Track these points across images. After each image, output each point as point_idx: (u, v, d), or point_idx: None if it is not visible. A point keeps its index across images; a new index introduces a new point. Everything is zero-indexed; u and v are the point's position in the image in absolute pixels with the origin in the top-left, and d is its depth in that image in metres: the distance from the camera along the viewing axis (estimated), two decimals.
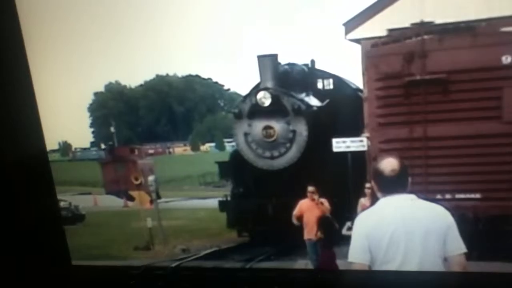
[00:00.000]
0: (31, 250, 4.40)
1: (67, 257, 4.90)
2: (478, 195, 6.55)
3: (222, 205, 9.03)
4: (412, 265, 2.95)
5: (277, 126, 8.22)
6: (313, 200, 6.98)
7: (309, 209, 7.01)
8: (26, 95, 4.48)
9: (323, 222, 6.65)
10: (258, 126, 8.34)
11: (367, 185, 6.38)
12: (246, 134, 8.45)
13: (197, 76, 13.24)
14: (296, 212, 7.07)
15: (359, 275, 3.34)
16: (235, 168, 8.92)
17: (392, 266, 2.97)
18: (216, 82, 13.23)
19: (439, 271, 3.00)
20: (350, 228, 6.06)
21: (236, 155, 8.77)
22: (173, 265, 8.14)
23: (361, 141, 7.46)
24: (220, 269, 6.63)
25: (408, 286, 3.13)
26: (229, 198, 9.07)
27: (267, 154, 8.36)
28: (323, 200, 6.98)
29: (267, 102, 8.21)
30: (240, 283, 4.31)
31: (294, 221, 7.07)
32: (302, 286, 4.21)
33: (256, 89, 8.42)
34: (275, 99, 8.18)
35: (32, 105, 4.56)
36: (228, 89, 12.83)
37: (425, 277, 3.04)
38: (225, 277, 4.47)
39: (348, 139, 7.54)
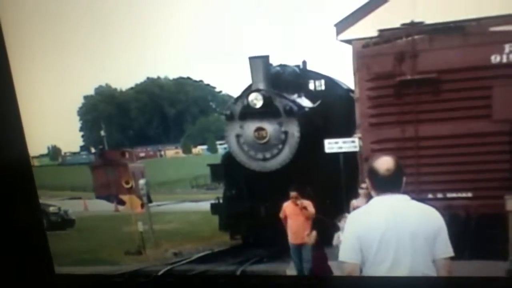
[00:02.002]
0: (14, 258, 4.45)
1: (51, 266, 4.94)
2: (469, 194, 6.67)
3: (214, 208, 9.11)
4: (403, 267, 3.03)
5: (269, 127, 8.31)
6: (296, 205, 7.05)
7: (292, 213, 7.10)
8: (8, 100, 4.51)
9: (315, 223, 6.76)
10: (250, 127, 8.42)
11: (363, 185, 6.44)
12: (238, 136, 8.52)
13: (188, 78, 13.24)
14: (281, 214, 7.20)
15: (347, 281, 3.44)
16: (227, 170, 9.00)
17: (383, 267, 3.05)
18: (208, 84, 13.24)
19: (429, 276, 3.07)
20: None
21: (228, 157, 8.83)
22: (165, 269, 8.22)
23: (353, 141, 7.55)
24: (205, 276, 6.71)
25: None
26: (221, 201, 9.16)
27: (260, 155, 8.43)
28: (307, 203, 7.02)
29: (259, 103, 8.29)
30: None
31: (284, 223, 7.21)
32: None
33: (248, 90, 8.49)
34: (267, 100, 8.27)
35: (15, 110, 4.59)
36: (220, 91, 12.85)
37: (416, 283, 3.11)
38: (211, 285, 4.52)
39: (340, 140, 7.62)
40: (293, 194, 7.04)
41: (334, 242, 6.35)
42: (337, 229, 6.37)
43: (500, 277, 3.85)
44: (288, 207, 7.13)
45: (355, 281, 3.22)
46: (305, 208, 6.98)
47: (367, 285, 3.20)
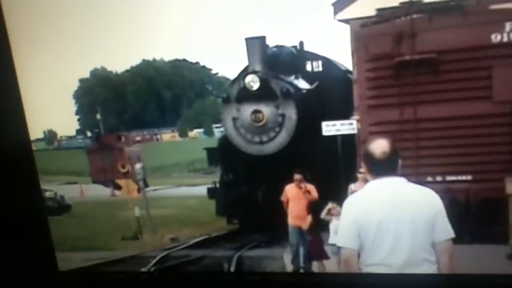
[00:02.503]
0: (15, 254, 4.44)
1: (54, 264, 4.93)
2: (469, 177, 6.63)
3: (211, 192, 9.11)
4: (401, 251, 2.99)
5: (266, 110, 8.27)
6: (300, 188, 6.98)
7: (295, 196, 7.02)
8: (9, 83, 4.48)
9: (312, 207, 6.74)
10: (246, 110, 8.38)
11: (361, 170, 6.40)
12: (234, 119, 8.49)
13: (184, 60, 13.21)
14: (282, 197, 7.12)
15: (344, 277, 3.41)
16: (223, 154, 8.97)
17: (382, 252, 3.01)
18: (204, 66, 13.22)
19: (427, 273, 3.04)
20: (329, 211, 6.18)
21: (225, 140, 8.81)
22: (162, 254, 8.24)
23: (351, 124, 7.50)
24: (205, 273, 6.71)
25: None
26: (218, 185, 9.14)
27: (256, 139, 8.41)
28: (310, 187, 6.96)
29: (255, 85, 8.24)
30: (225, 287, 4.39)
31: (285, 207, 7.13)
32: None
33: (244, 72, 8.44)
34: (263, 82, 8.22)
35: (15, 93, 4.56)
36: (216, 73, 12.83)
37: (414, 280, 3.09)
38: (210, 281, 4.52)
39: (338, 122, 7.57)
40: (297, 176, 6.96)
41: (330, 240, 6.33)
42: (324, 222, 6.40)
43: (503, 274, 3.81)
44: (290, 189, 7.06)
45: (355, 278, 3.23)
46: (308, 192, 6.91)
47: (367, 282, 3.18)
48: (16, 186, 4.56)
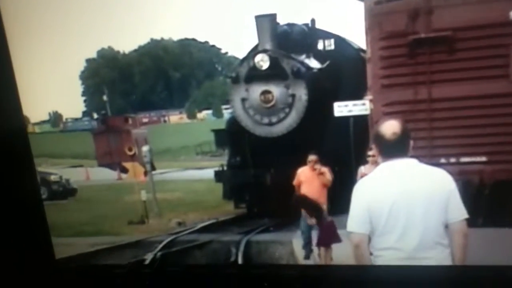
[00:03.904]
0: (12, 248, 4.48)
1: (51, 254, 4.96)
2: (484, 158, 6.59)
3: (218, 175, 9.13)
4: (413, 234, 3.01)
5: (276, 90, 8.28)
6: (314, 170, 6.92)
7: (308, 179, 6.94)
8: (3, 65, 4.48)
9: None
10: (256, 90, 8.39)
11: (369, 152, 6.39)
12: (243, 100, 8.50)
13: (193, 39, 13.20)
14: (295, 181, 7.02)
15: (348, 271, 3.42)
16: (232, 136, 9.00)
17: (394, 236, 3.03)
18: (213, 46, 13.19)
19: (430, 265, 3.07)
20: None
21: (233, 122, 8.82)
22: (168, 239, 8.29)
23: (364, 104, 7.49)
24: (208, 266, 6.75)
25: (398, 281, 3.22)
26: (225, 168, 9.17)
27: (265, 120, 8.42)
28: (324, 169, 6.91)
29: (265, 65, 8.24)
30: (229, 280, 4.42)
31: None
32: (292, 282, 4.30)
33: (254, 51, 8.45)
34: (273, 61, 8.22)
35: (10, 75, 4.56)
36: (226, 53, 12.80)
37: (418, 272, 3.11)
38: (213, 274, 4.55)
39: (350, 103, 7.54)
40: (312, 157, 6.91)
41: None
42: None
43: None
44: (303, 172, 6.99)
45: (362, 271, 3.26)
46: (322, 174, 6.88)
47: (369, 274, 3.22)
48: (10, 171, 4.58)
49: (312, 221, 6.62)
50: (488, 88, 6.46)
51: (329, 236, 6.48)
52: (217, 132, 9.47)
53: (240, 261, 7.39)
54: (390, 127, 3.05)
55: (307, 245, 7.03)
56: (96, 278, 4.61)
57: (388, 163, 3.07)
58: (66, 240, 8.17)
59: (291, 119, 8.28)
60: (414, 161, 3.07)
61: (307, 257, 6.95)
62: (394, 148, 3.04)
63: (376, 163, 3.25)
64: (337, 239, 6.35)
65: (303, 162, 7.00)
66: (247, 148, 8.74)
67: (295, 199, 6.85)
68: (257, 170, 8.56)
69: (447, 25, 6.64)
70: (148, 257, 7.77)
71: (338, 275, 4.15)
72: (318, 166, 6.88)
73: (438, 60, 6.73)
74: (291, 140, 8.19)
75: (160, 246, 8.14)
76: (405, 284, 3.22)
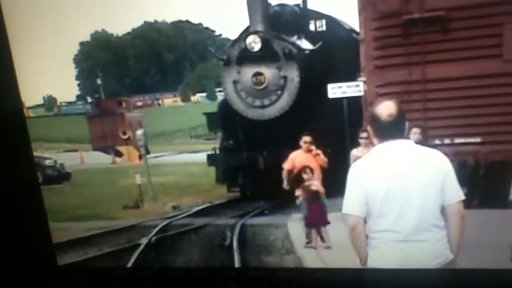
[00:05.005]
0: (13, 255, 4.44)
1: (53, 259, 4.96)
2: (478, 139, 6.54)
3: (211, 159, 9.05)
4: (410, 216, 3.04)
5: (268, 72, 8.15)
6: (309, 151, 6.85)
7: (303, 162, 6.84)
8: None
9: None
10: (247, 73, 8.26)
11: (362, 134, 6.33)
12: (235, 82, 8.37)
13: (187, 21, 13.06)
14: (288, 165, 6.96)
15: (347, 273, 3.41)
16: (224, 119, 8.91)
17: (390, 217, 3.06)
18: (207, 28, 13.05)
19: (430, 268, 3.10)
20: None
21: (225, 105, 8.72)
22: (163, 223, 8.24)
23: (357, 85, 7.39)
24: (207, 268, 6.74)
25: (397, 283, 3.26)
26: (217, 152, 9.09)
27: (258, 103, 8.29)
28: (319, 151, 6.86)
29: (257, 46, 8.11)
30: (228, 283, 4.40)
31: (284, 176, 6.98)
32: (290, 285, 4.30)
33: (245, 33, 8.31)
34: (265, 43, 8.09)
35: (7, 59, 4.50)
36: (220, 35, 12.67)
37: (417, 275, 3.14)
38: (212, 276, 4.55)
39: (344, 84, 7.43)
40: (306, 138, 6.84)
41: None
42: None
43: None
44: (298, 155, 6.91)
45: (359, 272, 3.37)
46: (318, 154, 6.80)
47: (369, 276, 3.32)
48: (7, 155, 4.54)
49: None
50: (481, 68, 6.39)
51: (317, 217, 6.44)
52: (209, 115, 9.38)
53: (235, 244, 7.32)
54: (386, 109, 3.09)
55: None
56: (97, 280, 4.61)
57: (384, 144, 3.11)
58: (61, 224, 8.12)
59: (283, 101, 8.16)
60: (409, 142, 3.13)
61: (309, 242, 6.84)
62: (390, 130, 3.08)
63: (369, 146, 3.27)
64: (326, 221, 6.32)
65: (296, 145, 6.94)
66: (240, 131, 8.64)
67: (294, 177, 6.75)
68: (249, 153, 8.46)
69: (440, 5, 6.55)
70: (143, 241, 7.71)
71: (336, 277, 4.16)
72: (313, 147, 6.78)
73: (432, 40, 6.66)
74: (283, 122, 8.08)
75: (155, 230, 8.10)
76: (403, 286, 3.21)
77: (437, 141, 6.52)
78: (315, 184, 6.63)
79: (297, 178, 6.61)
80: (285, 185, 6.96)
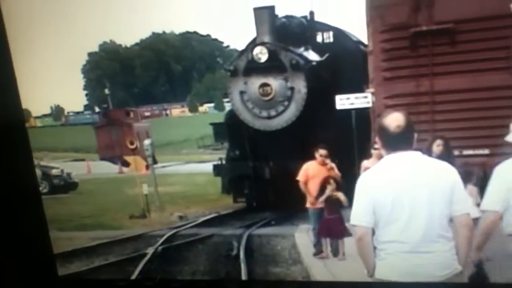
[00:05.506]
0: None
1: (54, 269, 4.93)
2: (486, 151, 6.51)
3: (217, 169, 9.07)
4: (417, 227, 2.98)
5: (275, 83, 8.16)
6: (323, 164, 6.59)
7: (316, 174, 6.58)
8: (3, 59, 4.40)
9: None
10: (254, 83, 8.28)
11: (376, 145, 6.26)
12: (242, 93, 8.39)
13: (195, 33, 13.15)
14: (302, 177, 6.64)
15: (354, 287, 3.36)
16: (230, 129, 8.91)
17: (397, 228, 3.00)
18: (215, 39, 13.13)
19: (438, 282, 3.03)
20: None
21: (232, 115, 8.74)
22: (170, 233, 8.22)
23: (366, 97, 7.37)
24: (211, 281, 6.69)
25: None
26: (223, 162, 9.09)
27: (264, 113, 8.31)
28: (333, 165, 6.61)
29: (263, 57, 8.13)
30: None
31: (303, 187, 6.62)
32: None
33: (252, 44, 8.33)
34: (272, 54, 8.10)
35: (9, 69, 4.48)
36: (228, 46, 12.74)
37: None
38: None
39: (352, 96, 7.43)
40: (322, 152, 6.54)
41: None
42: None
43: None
44: (312, 167, 6.62)
45: (367, 286, 3.25)
46: (332, 168, 6.58)
47: None
48: (8, 164, 4.51)
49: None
50: (490, 80, 6.37)
51: (336, 228, 6.34)
52: (215, 125, 9.39)
53: (242, 254, 7.27)
54: (394, 120, 3.02)
55: (318, 243, 6.74)
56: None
57: (392, 155, 3.04)
58: (67, 234, 8.12)
59: (290, 112, 8.17)
60: (418, 154, 3.04)
61: (317, 253, 6.74)
62: (398, 141, 3.01)
63: (380, 157, 3.23)
64: (348, 233, 6.16)
65: (303, 156, 6.79)
66: (246, 142, 8.66)
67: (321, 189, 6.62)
68: (256, 164, 8.46)
69: (448, 17, 6.55)
70: (150, 251, 7.67)
71: None
72: (328, 161, 6.64)
73: (440, 52, 6.65)
74: (290, 133, 8.08)
75: (162, 240, 8.04)
76: None
77: (456, 152, 6.48)
78: (340, 194, 6.46)
79: (322, 190, 6.50)
80: (310, 199, 6.74)
